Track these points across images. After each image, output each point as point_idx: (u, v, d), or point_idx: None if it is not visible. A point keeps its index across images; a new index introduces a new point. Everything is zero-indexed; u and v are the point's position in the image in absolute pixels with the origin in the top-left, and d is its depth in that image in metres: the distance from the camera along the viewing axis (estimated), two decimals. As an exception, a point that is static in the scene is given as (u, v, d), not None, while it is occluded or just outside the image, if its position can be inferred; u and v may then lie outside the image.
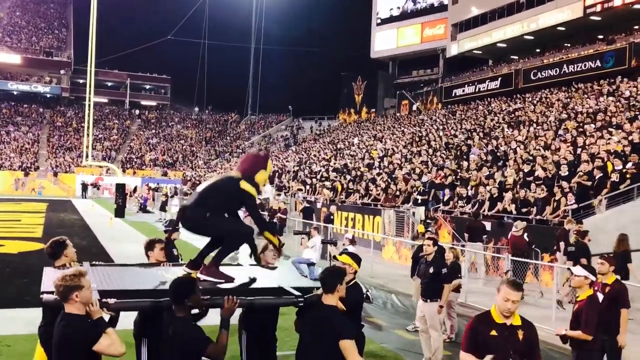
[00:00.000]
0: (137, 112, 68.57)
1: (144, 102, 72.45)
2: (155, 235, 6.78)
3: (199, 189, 5.05)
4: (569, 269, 8.41)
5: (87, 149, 31.65)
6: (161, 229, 22.64)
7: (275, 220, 19.88)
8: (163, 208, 29.02)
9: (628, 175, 13.93)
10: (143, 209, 34.18)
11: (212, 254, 4.90)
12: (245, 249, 5.27)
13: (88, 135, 31.61)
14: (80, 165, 48.65)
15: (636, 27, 32.85)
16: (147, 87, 74.29)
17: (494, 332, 3.74)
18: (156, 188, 41.56)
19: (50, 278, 4.08)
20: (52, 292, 3.78)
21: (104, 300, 3.84)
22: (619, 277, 6.62)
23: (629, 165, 14.36)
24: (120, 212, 28.64)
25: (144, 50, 63.13)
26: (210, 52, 61.01)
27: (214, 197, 4.83)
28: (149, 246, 5.91)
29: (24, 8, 71.63)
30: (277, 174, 34.43)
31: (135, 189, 44.04)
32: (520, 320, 3.81)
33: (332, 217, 19.76)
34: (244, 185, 4.83)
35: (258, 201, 23.92)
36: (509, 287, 3.73)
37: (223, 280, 4.68)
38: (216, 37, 63.71)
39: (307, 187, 28.71)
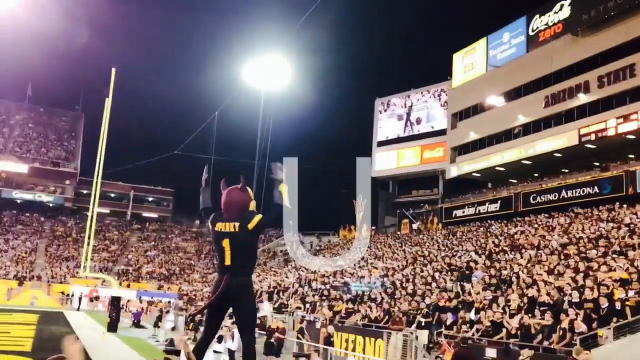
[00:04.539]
0: (138, 224, 68.90)
1: (145, 214, 73.11)
2: (150, 355, 6.48)
3: None
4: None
5: (86, 260, 31.34)
6: (155, 345, 21.83)
7: (272, 340, 19.14)
8: (157, 324, 28.14)
9: (632, 304, 13.64)
10: (136, 323, 33.20)
11: None
12: None
13: (88, 244, 31.39)
14: (76, 276, 47.90)
15: (631, 155, 33.79)
16: (150, 199, 75.16)
17: None
18: (151, 302, 40.57)
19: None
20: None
21: None
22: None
23: (631, 293, 14.11)
24: (112, 327, 27.74)
25: (149, 163, 64.72)
26: (215, 167, 62.36)
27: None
28: None
29: (36, 120, 74.19)
30: (276, 290, 33.76)
31: (128, 302, 43.04)
32: None
33: (331, 338, 19.08)
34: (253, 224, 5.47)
35: (259, 319, 22.97)
36: None
37: None
38: (221, 153, 65.42)
39: (307, 305, 28.00)
